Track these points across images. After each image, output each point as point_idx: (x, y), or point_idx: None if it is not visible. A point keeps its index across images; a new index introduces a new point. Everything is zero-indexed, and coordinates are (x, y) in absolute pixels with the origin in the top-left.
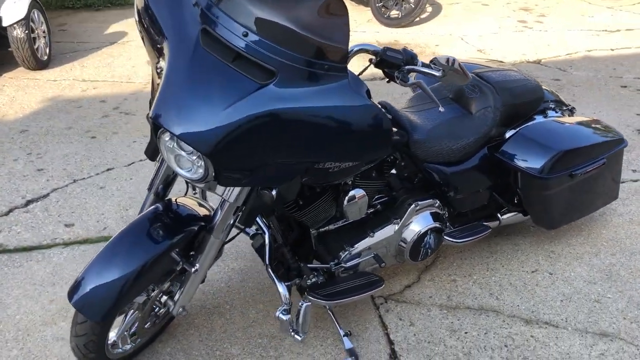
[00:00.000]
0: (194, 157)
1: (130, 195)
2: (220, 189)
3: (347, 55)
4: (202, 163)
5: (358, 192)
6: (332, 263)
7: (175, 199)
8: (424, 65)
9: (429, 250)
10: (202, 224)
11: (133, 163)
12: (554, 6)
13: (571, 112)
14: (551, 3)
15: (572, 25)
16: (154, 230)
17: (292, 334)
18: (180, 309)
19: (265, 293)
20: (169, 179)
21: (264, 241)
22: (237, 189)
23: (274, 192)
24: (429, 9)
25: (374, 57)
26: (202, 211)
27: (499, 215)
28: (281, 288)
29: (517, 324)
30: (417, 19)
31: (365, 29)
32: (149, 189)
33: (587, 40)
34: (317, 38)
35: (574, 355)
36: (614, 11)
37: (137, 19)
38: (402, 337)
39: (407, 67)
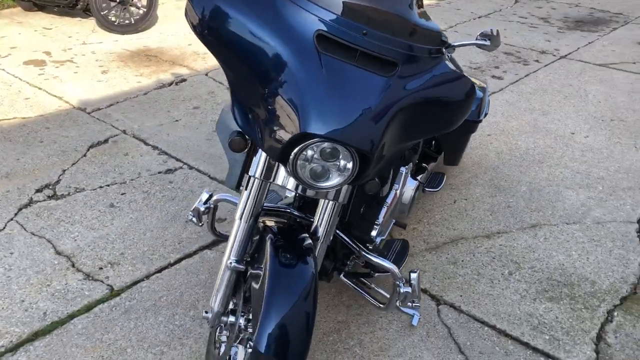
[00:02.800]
0: (340, 164)
1: (36, 270)
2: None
3: (441, 38)
4: (351, 165)
5: None
6: (375, 240)
7: (266, 224)
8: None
9: (414, 204)
10: (307, 235)
11: None
12: None
13: None
14: None
15: None
16: (292, 262)
17: (410, 304)
18: None
19: None
20: (259, 207)
21: (338, 234)
22: (344, 189)
23: (377, 180)
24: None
25: None
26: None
27: (424, 165)
28: (391, 265)
29: (483, 240)
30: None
31: (97, 39)
32: (240, 219)
33: None
34: (422, 27)
35: (533, 246)
36: None
37: (200, 31)
38: (428, 282)
39: (454, 43)
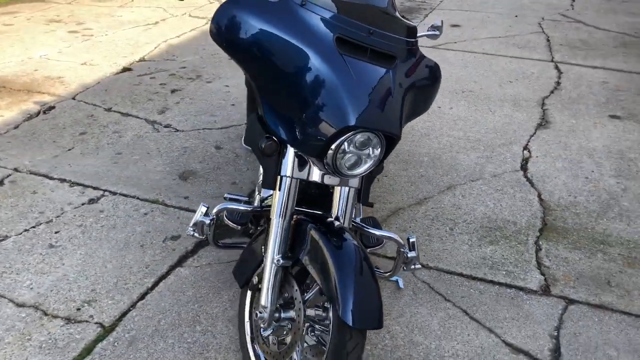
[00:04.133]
0: (370, 151)
1: (5, 328)
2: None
3: (416, 32)
4: (378, 151)
5: None
6: (355, 220)
7: (297, 218)
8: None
9: None
10: (332, 219)
11: None
12: (82, 15)
13: None
14: (73, 12)
15: (117, 27)
16: (339, 243)
17: (413, 267)
18: None
19: None
20: (294, 203)
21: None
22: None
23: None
24: None
25: None
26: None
27: None
28: (393, 235)
29: (417, 207)
30: None
31: None
32: (278, 217)
33: (154, 32)
34: (406, 24)
35: (457, 204)
36: (126, 10)
37: (228, 47)
38: (392, 252)
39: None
